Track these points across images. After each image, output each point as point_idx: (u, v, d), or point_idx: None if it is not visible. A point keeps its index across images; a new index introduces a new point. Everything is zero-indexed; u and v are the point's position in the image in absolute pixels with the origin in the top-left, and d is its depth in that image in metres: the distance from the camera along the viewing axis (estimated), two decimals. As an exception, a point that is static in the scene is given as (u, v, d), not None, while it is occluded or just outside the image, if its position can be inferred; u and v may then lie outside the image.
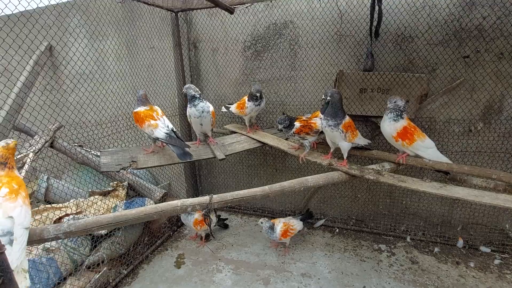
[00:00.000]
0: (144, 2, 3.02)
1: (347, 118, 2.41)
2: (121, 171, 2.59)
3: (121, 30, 3.61)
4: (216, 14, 3.50)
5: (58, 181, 3.80)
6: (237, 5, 2.88)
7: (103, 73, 3.66)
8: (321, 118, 2.55)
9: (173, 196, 3.99)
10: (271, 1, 3.10)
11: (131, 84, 3.59)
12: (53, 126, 3.64)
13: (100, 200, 3.37)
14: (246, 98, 3.09)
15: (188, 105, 2.77)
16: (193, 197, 4.10)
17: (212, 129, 3.08)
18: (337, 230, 3.51)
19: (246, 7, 3.17)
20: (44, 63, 4.34)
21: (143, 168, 2.58)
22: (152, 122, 2.56)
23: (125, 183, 3.51)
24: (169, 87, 3.65)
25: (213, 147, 2.89)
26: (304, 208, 3.70)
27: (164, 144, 2.80)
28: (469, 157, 2.93)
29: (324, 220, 3.58)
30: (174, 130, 2.64)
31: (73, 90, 3.96)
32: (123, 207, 3.24)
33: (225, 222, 3.67)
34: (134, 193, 3.69)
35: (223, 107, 3.48)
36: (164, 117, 2.68)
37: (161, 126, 2.57)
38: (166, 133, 2.54)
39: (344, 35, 2.98)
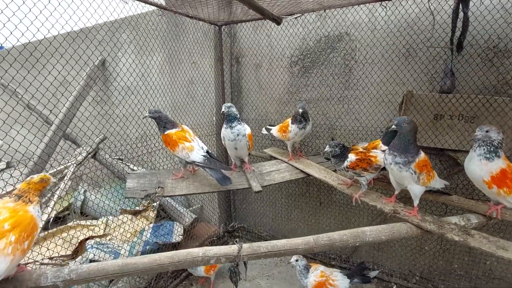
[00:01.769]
0: (186, 15, 2.85)
1: (422, 155, 1.84)
2: (144, 198, 2.34)
3: (166, 45, 3.52)
4: (261, 27, 3.21)
5: (95, 194, 3.78)
6: (286, 15, 2.54)
7: (147, 88, 3.58)
8: (383, 151, 2.02)
9: (205, 221, 3.68)
10: (324, 11, 2.70)
11: (171, 100, 3.44)
12: (97, 138, 3.68)
13: (130, 220, 3.19)
14: (289, 120, 2.68)
15: (224, 126, 2.46)
16: (226, 223, 3.78)
17: (249, 154, 2.72)
18: (394, 287, 2.83)
19: (296, 18, 2.81)
20: (97, 76, 4.51)
21: (169, 196, 2.30)
22: (187, 144, 2.28)
23: (156, 204, 3.31)
24: (207, 105, 3.42)
25: (248, 176, 2.51)
26: (351, 256, 3.09)
27: (196, 169, 2.52)
28: None
29: (377, 272, 2.92)
30: (209, 151, 2.35)
31: (120, 102, 3.97)
32: (150, 232, 3.01)
33: None
34: (165, 214, 3.47)
35: (263, 128, 3.12)
36: (197, 138, 2.40)
37: (197, 148, 2.29)
38: (203, 156, 2.25)
39: (434, 46, 2.42)
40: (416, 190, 1.92)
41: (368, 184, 2.38)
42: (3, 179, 2.14)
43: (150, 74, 3.63)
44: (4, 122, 2.00)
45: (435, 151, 2.52)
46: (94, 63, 4.23)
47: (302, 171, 2.62)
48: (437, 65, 2.41)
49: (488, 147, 1.80)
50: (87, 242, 2.78)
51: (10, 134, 2.25)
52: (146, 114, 2.35)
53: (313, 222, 3.31)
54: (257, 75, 3.38)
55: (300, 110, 2.52)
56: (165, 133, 2.32)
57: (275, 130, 2.89)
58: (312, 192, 3.23)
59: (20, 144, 2.11)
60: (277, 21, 2.42)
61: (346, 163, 2.13)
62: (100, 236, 2.82)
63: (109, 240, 2.81)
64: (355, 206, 2.47)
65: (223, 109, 2.39)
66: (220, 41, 3.23)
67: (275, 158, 2.93)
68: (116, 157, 3.89)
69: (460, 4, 2.15)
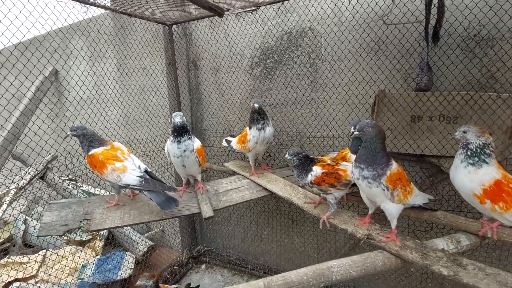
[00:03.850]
0: (130, 15, 2.46)
1: (394, 167, 1.49)
2: (64, 236, 1.90)
3: (114, 50, 3.12)
4: (218, 26, 2.85)
5: (37, 222, 3.29)
6: (235, 9, 2.18)
7: (102, 99, 3.15)
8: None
9: (166, 246, 3.24)
10: (282, 3, 2.36)
11: (123, 111, 3.03)
12: (47, 157, 3.22)
13: (72, 253, 2.72)
14: (247, 128, 2.32)
15: (170, 139, 2.06)
16: (190, 248, 3.31)
17: (202, 170, 2.33)
18: (380, 316, 2.45)
19: (251, 11, 2.46)
20: (48, 88, 4.06)
21: (96, 230, 1.86)
22: (118, 164, 1.87)
23: (103, 233, 2.85)
24: (161, 115, 3.01)
25: (200, 197, 2.11)
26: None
27: (137, 193, 2.10)
28: None
29: (360, 297, 2.55)
30: (148, 170, 1.94)
31: (74, 115, 3.51)
32: (93, 267, 2.55)
33: None
34: (117, 244, 3.01)
35: (224, 140, 2.73)
36: (132, 155, 1.99)
37: (131, 168, 1.88)
38: (140, 177, 1.84)
39: (395, 23, 2.08)
40: (392, 210, 1.56)
41: (341, 200, 2.02)
42: None
43: (103, 83, 3.20)
44: None
45: (415, 158, 2.19)
46: (43, 74, 3.79)
47: (264, 188, 2.24)
48: (411, 59, 2.09)
49: (465, 151, 1.48)
50: (13, 285, 2.31)
51: None
52: (68, 133, 1.93)
53: (286, 242, 2.92)
54: (216, 80, 3.00)
55: (256, 105, 2.16)
56: (90, 153, 1.90)
57: (234, 142, 2.51)
58: (283, 208, 2.85)
59: None
60: (219, 12, 2.06)
61: (310, 178, 1.75)
62: (26, 279, 2.35)
63: (36, 283, 2.34)
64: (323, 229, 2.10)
65: (177, 119, 2.00)
66: (171, 43, 2.85)
67: (237, 173, 2.55)
68: (67, 178, 3.44)
69: (433, -13, 1.85)
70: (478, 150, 1.48)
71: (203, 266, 3.21)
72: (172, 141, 2.01)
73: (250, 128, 2.27)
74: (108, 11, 2.39)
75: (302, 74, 2.55)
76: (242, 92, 2.87)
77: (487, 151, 1.48)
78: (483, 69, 1.92)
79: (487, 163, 1.49)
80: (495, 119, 1.86)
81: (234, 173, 2.60)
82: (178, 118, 1.96)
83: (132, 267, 2.62)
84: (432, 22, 1.92)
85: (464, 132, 1.52)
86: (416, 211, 1.78)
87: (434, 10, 1.89)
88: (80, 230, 1.83)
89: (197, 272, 3.13)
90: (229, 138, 2.68)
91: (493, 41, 1.88)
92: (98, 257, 2.70)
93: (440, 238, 1.64)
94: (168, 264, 2.92)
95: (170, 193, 1.90)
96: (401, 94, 2.07)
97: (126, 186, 1.86)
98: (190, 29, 3.04)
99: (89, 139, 1.92)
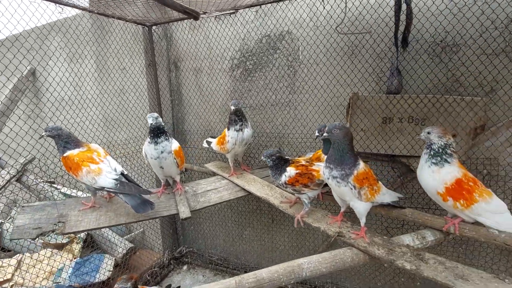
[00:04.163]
0: (106, 15, 2.44)
1: (361, 166, 1.56)
2: (39, 239, 1.88)
3: (94, 50, 3.08)
4: (198, 28, 2.87)
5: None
6: (213, 12, 2.21)
7: (82, 99, 3.09)
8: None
9: (147, 248, 3.22)
10: (260, 7, 2.40)
11: (100, 112, 2.99)
12: (24, 159, 3.14)
13: (48, 257, 2.67)
14: (226, 129, 2.35)
15: (147, 141, 2.06)
16: (172, 249, 3.30)
17: (182, 172, 2.34)
18: (355, 311, 2.53)
19: (230, 14, 2.49)
20: (27, 88, 3.94)
21: (72, 233, 1.85)
22: (93, 167, 1.86)
23: (82, 236, 2.81)
24: (141, 116, 3.00)
25: (178, 199, 2.13)
26: (307, 279, 2.77)
27: (113, 195, 2.09)
28: (558, 219, 1.92)
29: (337, 294, 2.63)
30: (125, 173, 1.94)
31: (54, 117, 3.43)
32: (70, 270, 2.51)
33: None
34: (96, 246, 2.97)
35: (204, 141, 2.75)
36: (109, 157, 1.99)
37: (107, 171, 1.87)
38: (115, 179, 1.83)
39: (348, 32, 2.17)
40: (360, 208, 1.63)
41: (317, 199, 2.09)
42: None
43: (84, 83, 3.15)
44: None
45: (387, 158, 2.28)
46: (22, 73, 3.69)
47: (243, 188, 2.28)
48: (382, 63, 2.18)
49: (429, 151, 1.57)
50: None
51: None
52: (43, 133, 1.90)
53: (266, 241, 2.97)
54: (197, 81, 3.02)
55: (233, 107, 2.20)
56: (65, 155, 1.88)
57: (214, 143, 2.53)
58: (263, 208, 2.89)
59: None
60: (194, 16, 2.08)
61: (284, 178, 1.80)
62: (1, 283, 2.29)
63: (11, 287, 2.29)
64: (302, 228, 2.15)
65: (150, 121, 2.00)
66: (151, 44, 2.84)
67: (217, 174, 2.57)
68: (45, 180, 3.36)
69: (402, -5, 1.93)
70: (440, 150, 1.58)
71: (185, 267, 3.21)
72: (149, 142, 2.01)
73: (228, 129, 2.30)
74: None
75: (281, 76, 2.60)
76: (222, 93, 2.89)
77: (449, 151, 1.57)
78: (448, 74, 2.03)
79: (449, 162, 1.58)
80: (459, 121, 1.97)
81: (214, 174, 2.62)
82: (150, 119, 1.96)
83: (111, 269, 2.60)
84: (401, 28, 2.02)
85: (428, 133, 1.61)
86: (386, 209, 1.86)
87: (403, 17, 1.99)
88: (54, 233, 1.80)
89: (178, 273, 3.13)
90: (209, 140, 2.70)
91: (457, 47, 1.98)
92: (76, 260, 2.66)
93: (407, 234, 1.72)
94: (148, 266, 2.91)
95: (147, 196, 1.91)
96: (373, 97, 2.15)
97: (101, 188, 1.86)
98: (170, 30, 3.04)
99: (64, 140, 1.90)
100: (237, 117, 2.24)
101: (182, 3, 1.82)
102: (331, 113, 2.41)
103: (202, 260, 3.26)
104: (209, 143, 2.67)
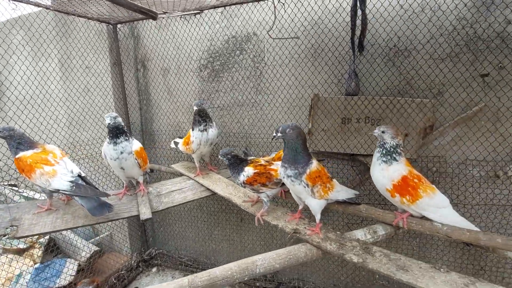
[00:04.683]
0: (66, 13, 2.37)
1: (314, 165, 1.62)
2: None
3: (57, 48, 2.97)
4: (166, 27, 2.85)
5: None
6: (174, 13, 2.21)
7: (45, 98, 2.96)
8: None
9: (115, 251, 3.16)
10: (225, 8, 2.43)
11: (66, 111, 2.90)
12: None
13: (4, 263, 2.56)
14: (191, 130, 2.35)
15: (106, 141, 2.03)
16: (141, 252, 3.25)
17: (146, 173, 2.32)
18: (320, 305, 2.62)
19: (194, 14, 2.49)
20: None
21: (26, 236, 1.79)
22: (48, 169, 1.81)
23: (43, 240, 2.72)
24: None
25: (140, 200, 2.11)
26: (276, 273, 2.83)
27: (70, 198, 2.04)
28: (497, 212, 2.10)
29: (303, 289, 2.70)
30: (82, 175, 1.90)
31: (20, 116, 3.26)
32: (30, 276, 2.42)
33: None
34: (59, 251, 2.88)
35: (172, 142, 2.75)
36: (66, 158, 1.94)
37: (62, 173, 1.83)
38: (71, 181, 1.79)
39: (277, 38, 2.25)
40: (314, 205, 1.70)
41: (279, 197, 2.14)
42: None
43: (47, 82, 3.03)
44: None
45: (347, 157, 2.37)
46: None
47: (207, 188, 2.29)
48: (340, 66, 2.26)
49: (381, 149, 1.66)
50: None
51: None
52: None
53: (236, 240, 3.00)
54: (165, 81, 2.99)
55: (195, 108, 2.21)
56: (17, 156, 1.82)
57: (180, 144, 2.53)
58: (232, 208, 2.92)
59: None
60: (152, 16, 2.08)
61: (242, 178, 1.84)
62: None
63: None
64: (258, 226, 2.19)
65: (108, 121, 1.96)
66: (116, 42, 2.79)
67: (184, 175, 2.57)
68: (6, 183, 3.21)
69: (358, 2, 2.02)
70: (392, 150, 1.66)
71: (154, 269, 3.18)
72: (108, 142, 1.98)
73: (193, 129, 2.31)
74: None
75: (247, 77, 2.64)
76: (191, 93, 2.89)
77: (399, 150, 1.67)
78: (400, 77, 2.15)
79: (396, 160, 1.68)
80: (410, 121, 2.09)
81: (182, 175, 2.62)
82: (108, 119, 1.93)
83: (74, 274, 2.53)
84: (358, 33, 2.11)
85: (383, 132, 1.69)
86: (342, 206, 1.93)
87: (359, 22, 2.08)
88: (6, 237, 1.75)
89: (147, 276, 3.09)
90: (177, 140, 2.69)
91: (408, 52, 2.10)
92: (36, 265, 2.57)
93: (360, 229, 1.80)
94: (115, 269, 2.85)
95: (106, 198, 1.88)
96: (332, 98, 2.23)
97: (57, 191, 1.81)
98: (138, 28, 3.00)
99: (17, 141, 1.84)
100: (201, 118, 2.26)
101: (138, 3, 1.81)
102: (296, 114, 2.48)
103: (172, 261, 3.24)
104: (176, 143, 2.66)
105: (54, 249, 2.80)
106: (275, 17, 2.20)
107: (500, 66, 1.94)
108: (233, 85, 2.71)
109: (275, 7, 2.17)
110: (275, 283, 2.77)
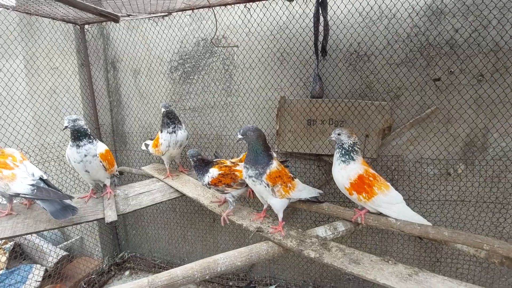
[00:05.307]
0: (28, 13, 2.31)
1: (274, 166, 1.69)
2: None
3: (22, 47, 2.88)
4: (136, 28, 2.84)
5: None
6: (140, 15, 2.21)
7: (13, 99, 2.84)
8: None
9: (85, 256, 3.10)
10: (193, 11, 2.45)
11: (32, 113, 2.81)
12: None
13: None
14: (159, 132, 2.36)
15: (69, 144, 2.00)
16: (113, 255, 3.20)
17: (113, 175, 2.31)
18: (289, 300, 2.69)
19: (162, 17, 2.50)
20: None
21: (-19, 242, 1.74)
22: (6, 172, 1.77)
23: (8, 246, 2.63)
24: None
25: (106, 203, 2.10)
26: (249, 273, 2.89)
27: (32, 201, 2.00)
28: (449, 207, 2.25)
29: (274, 286, 2.77)
30: (44, 178, 1.87)
31: None
32: (-8, 284, 2.34)
33: None
34: (26, 257, 2.80)
35: (143, 144, 2.74)
36: (26, 162, 1.90)
37: (22, 176, 1.79)
38: (31, 185, 1.76)
39: (221, 45, 2.33)
40: (276, 204, 1.76)
41: (248, 197, 2.19)
42: None
43: (13, 83, 2.92)
44: None
45: (314, 157, 2.47)
46: None
47: (177, 190, 2.31)
48: (305, 69, 2.35)
49: (340, 150, 1.75)
50: None
51: None
52: None
53: (210, 241, 3.03)
54: (136, 82, 2.98)
55: (163, 109, 2.22)
56: (-27, 160, 1.77)
57: (150, 146, 2.53)
58: (205, 209, 2.91)
59: None
60: (113, 18, 2.08)
61: (207, 179, 1.88)
62: None
63: None
64: (223, 226, 2.24)
65: (65, 123, 1.93)
66: (84, 43, 2.74)
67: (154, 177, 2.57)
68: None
69: (320, 8, 2.11)
70: (350, 149, 1.75)
71: (127, 273, 3.14)
72: (71, 145, 1.96)
73: (161, 131, 2.32)
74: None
75: (218, 79, 2.68)
76: (162, 95, 2.89)
77: (356, 148, 1.76)
78: (360, 81, 2.26)
79: (354, 160, 1.77)
80: (370, 122, 2.21)
81: (152, 177, 2.62)
82: (66, 122, 1.89)
83: (40, 280, 2.47)
84: (321, 39, 2.20)
85: (339, 134, 1.78)
86: (306, 204, 2.01)
87: (322, 28, 2.17)
88: (-41, 244, 1.69)
89: (119, 279, 3.05)
90: (148, 142, 2.69)
91: (368, 57, 2.22)
92: (1, 272, 2.48)
93: (321, 226, 1.88)
94: (85, 274, 2.80)
95: (69, 201, 1.86)
96: (298, 101, 2.32)
97: (17, 195, 1.77)
98: (107, 29, 2.96)
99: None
100: (169, 120, 2.27)
101: (100, 6, 1.80)
102: (264, 116, 2.55)
103: (145, 264, 3.22)
104: (147, 145, 2.65)
105: (19, 254, 2.72)
106: (216, 28, 2.25)
107: (450, 71, 2.09)
108: (203, 87, 2.74)
109: (215, 16, 2.23)
110: (247, 281, 2.81)
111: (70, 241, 3.02)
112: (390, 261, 1.52)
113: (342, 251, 1.63)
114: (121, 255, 3.23)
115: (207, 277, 1.52)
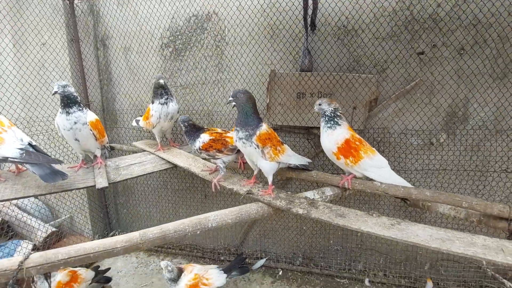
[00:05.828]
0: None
1: (264, 128, 1.73)
2: None
3: (10, 22, 2.82)
4: (127, 4, 2.82)
5: None
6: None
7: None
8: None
9: (76, 234, 3.09)
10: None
11: (20, 88, 2.78)
12: None
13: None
14: (150, 103, 2.38)
15: (59, 111, 2.00)
16: (104, 234, 3.22)
17: (104, 148, 2.31)
18: (280, 273, 2.76)
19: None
20: None
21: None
22: (-6, 137, 1.75)
23: (-5, 221, 2.60)
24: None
25: (96, 171, 2.11)
26: (240, 247, 2.94)
27: (22, 168, 1.99)
28: (432, 176, 2.35)
29: (264, 260, 2.83)
30: (33, 143, 1.86)
31: None
32: (-21, 257, 2.32)
33: (105, 276, 2.48)
34: (14, 233, 2.77)
35: (133, 120, 2.74)
36: (15, 127, 1.89)
37: (11, 141, 1.78)
38: (20, 149, 1.75)
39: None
40: (266, 166, 1.81)
41: (239, 168, 2.23)
42: None
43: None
44: None
45: (303, 130, 2.52)
46: None
47: (168, 161, 2.33)
48: (294, 43, 2.40)
49: (324, 118, 1.81)
50: None
51: None
52: None
53: (201, 218, 3.05)
54: (127, 59, 2.97)
55: (161, 81, 2.23)
56: (-41, 124, 1.75)
57: (141, 120, 2.54)
58: (197, 185, 2.97)
59: None
60: None
61: (198, 144, 1.92)
62: None
63: None
64: (214, 192, 2.26)
65: (55, 89, 1.92)
66: (74, 18, 2.72)
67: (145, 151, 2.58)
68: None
69: (309, -18, 2.16)
70: (332, 114, 1.82)
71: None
72: (60, 112, 1.96)
73: (153, 103, 2.33)
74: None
75: (209, 56, 2.70)
76: (153, 72, 2.89)
77: (338, 113, 1.83)
78: (348, 54, 2.32)
79: (339, 125, 1.84)
80: (357, 95, 2.28)
81: (143, 151, 2.63)
82: (56, 87, 1.88)
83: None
84: (310, 13, 2.25)
85: (320, 104, 1.85)
86: (296, 172, 2.07)
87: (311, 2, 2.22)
88: None
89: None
90: (138, 118, 2.70)
91: (355, 31, 2.28)
92: (-13, 247, 2.46)
93: (310, 191, 1.95)
94: (75, 250, 2.79)
95: (59, 167, 1.86)
96: (287, 74, 2.37)
97: (5, 159, 1.76)
98: (98, 5, 2.94)
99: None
100: (164, 90, 2.28)
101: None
102: (255, 90, 2.58)
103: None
104: (137, 121, 2.66)
105: (7, 231, 2.69)
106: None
107: (433, 45, 2.18)
108: (195, 64, 2.76)
109: None
110: (235, 254, 2.86)
111: (60, 219, 3.00)
112: (374, 214, 1.60)
113: (329, 208, 1.69)
114: (112, 233, 3.23)
115: (198, 232, 1.56)
